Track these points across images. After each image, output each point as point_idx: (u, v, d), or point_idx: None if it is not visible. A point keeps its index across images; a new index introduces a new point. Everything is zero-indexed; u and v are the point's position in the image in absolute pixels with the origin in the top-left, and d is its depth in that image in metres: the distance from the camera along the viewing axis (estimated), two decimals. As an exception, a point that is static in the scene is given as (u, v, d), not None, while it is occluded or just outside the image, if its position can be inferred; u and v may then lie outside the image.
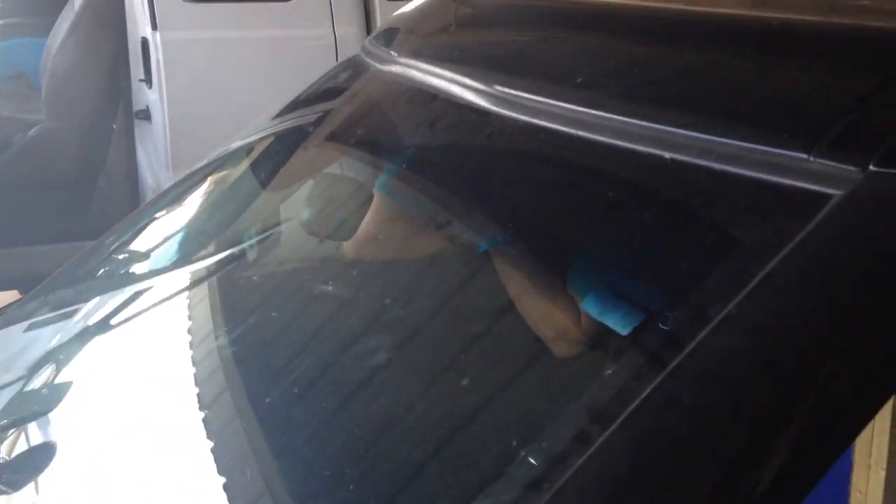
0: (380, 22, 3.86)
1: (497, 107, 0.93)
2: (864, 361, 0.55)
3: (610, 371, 0.66)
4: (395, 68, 1.21)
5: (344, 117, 1.32)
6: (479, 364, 0.81)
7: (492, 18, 1.25)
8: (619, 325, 0.66)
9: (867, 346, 0.55)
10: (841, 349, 0.55)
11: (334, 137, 1.30)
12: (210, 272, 1.24)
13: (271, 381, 0.93)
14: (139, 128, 3.65)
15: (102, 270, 1.43)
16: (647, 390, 0.57)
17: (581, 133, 0.81)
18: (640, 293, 0.69)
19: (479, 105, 0.96)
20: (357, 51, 1.42)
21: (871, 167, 0.60)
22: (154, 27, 3.40)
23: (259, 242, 1.28)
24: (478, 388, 0.77)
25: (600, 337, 0.69)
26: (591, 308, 0.68)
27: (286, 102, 1.49)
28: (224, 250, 1.30)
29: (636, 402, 0.57)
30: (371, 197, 1.08)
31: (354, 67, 1.38)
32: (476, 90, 0.98)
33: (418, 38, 1.32)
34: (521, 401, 0.74)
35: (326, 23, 3.83)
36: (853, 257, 0.59)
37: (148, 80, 3.38)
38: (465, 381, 0.79)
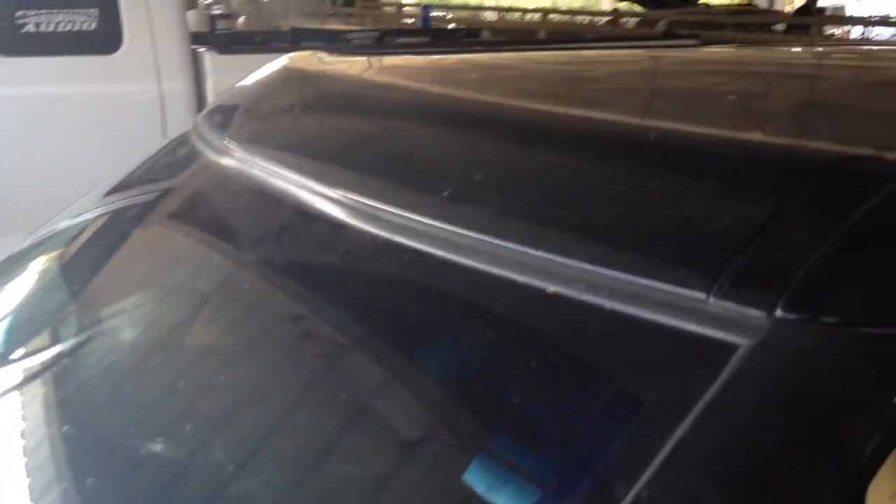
0: (210, 76, 3.70)
1: (352, 220, 0.83)
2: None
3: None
4: (229, 162, 1.09)
5: (158, 230, 1.15)
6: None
7: (347, 104, 1.13)
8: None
9: None
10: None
11: (144, 255, 1.12)
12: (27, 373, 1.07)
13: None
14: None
15: None
16: None
17: (448, 256, 0.72)
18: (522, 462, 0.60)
19: (331, 217, 0.85)
20: (185, 109, 1.28)
21: (778, 311, 0.54)
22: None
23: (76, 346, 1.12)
24: None
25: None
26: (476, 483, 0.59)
27: (105, 179, 1.34)
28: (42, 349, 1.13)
29: None
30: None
31: (183, 154, 1.24)
32: (327, 198, 0.87)
33: (258, 124, 1.20)
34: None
35: (151, 77, 3.64)
36: (760, 423, 0.52)
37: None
38: None
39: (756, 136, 0.74)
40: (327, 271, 0.86)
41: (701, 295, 0.57)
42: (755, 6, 16.75)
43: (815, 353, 0.53)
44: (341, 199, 0.86)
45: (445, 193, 0.77)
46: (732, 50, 1.95)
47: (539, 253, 0.66)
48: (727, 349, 0.55)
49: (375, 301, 0.78)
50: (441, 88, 1.16)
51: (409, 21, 10.46)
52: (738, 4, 17.53)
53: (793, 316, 0.54)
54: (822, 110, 0.92)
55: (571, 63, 1.44)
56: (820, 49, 1.89)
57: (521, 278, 0.66)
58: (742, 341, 0.54)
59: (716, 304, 0.56)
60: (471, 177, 0.78)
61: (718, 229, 0.60)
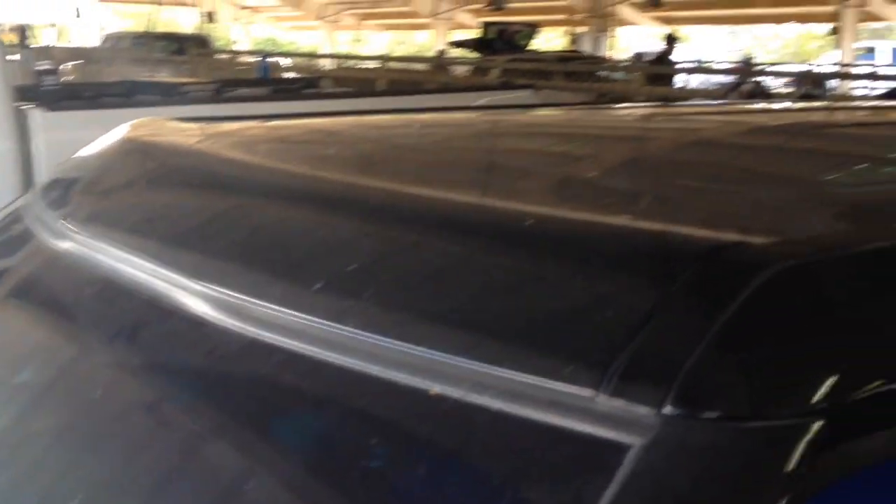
0: (39, 134, 3.50)
1: (215, 316, 0.78)
2: None
3: None
4: (68, 246, 1.00)
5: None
6: None
7: (198, 179, 1.06)
8: None
9: None
10: None
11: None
12: None
13: None
14: None
15: None
16: None
17: (320, 354, 0.68)
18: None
19: (189, 313, 0.80)
20: (11, 170, 1.18)
21: (667, 408, 0.54)
22: None
23: None
24: None
25: None
26: None
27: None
28: None
29: None
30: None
31: (14, 235, 1.15)
32: (184, 290, 0.82)
33: (98, 203, 1.11)
34: None
35: (-30, 136, 3.41)
36: None
37: None
38: None
39: (636, 222, 0.74)
40: (183, 373, 0.79)
41: (589, 393, 0.56)
42: (580, 52, 17.56)
43: (703, 450, 0.52)
44: (195, 289, 0.80)
45: (316, 285, 0.74)
46: (597, 113, 1.97)
47: (420, 351, 0.64)
48: (619, 449, 0.54)
49: (238, 409, 0.72)
50: (300, 160, 1.12)
51: (244, 68, 10.32)
52: (565, 51, 18.35)
53: (681, 412, 0.53)
54: (700, 190, 0.93)
55: (430, 133, 1.43)
56: (684, 111, 1.94)
57: (401, 378, 0.64)
58: (633, 440, 0.54)
59: (605, 402, 0.55)
60: (343, 266, 0.75)
61: (605, 323, 0.59)
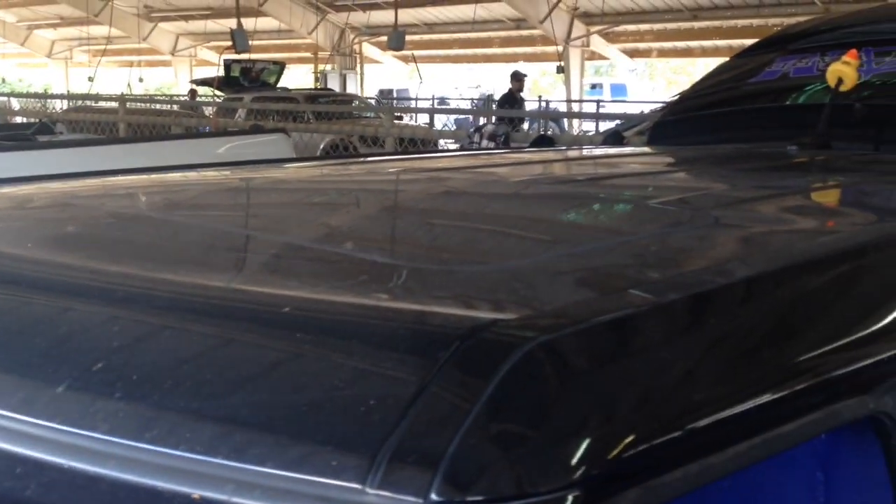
0: None
1: None
2: None
3: None
4: None
5: None
6: None
7: None
8: None
9: None
10: None
11: None
12: None
13: None
14: None
15: None
16: None
17: (66, 463, 0.64)
18: None
19: None
20: None
21: (433, 496, 0.55)
22: None
23: None
24: None
25: None
26: None
27: None
28: None
29: None
30: None
31: None
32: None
33: None
34: None
35: None
36: None
37: None
38: None
39: (394, 304, 0.75)
40: None
41: (357, 486, 0.56)
42: (331, 90, 17.63)
43: None
44: None
45: (56, 388, 0.69)
46: (345, 171, 1.93)
47: (179, 453, 0.61)
48: None
49: None
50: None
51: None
52: (317, 89, 18.36)
53: (446, 499, 0.54)
54: (453, 267, 0.93)
55: (163, 200, 1.37)
56: (425, 167, 1.95)
57: (161, 484, 0.61)
58: None
59: (374, 495, 0.56)
60: (88, 365, 0.70)
61: (367, 413, 0.60)
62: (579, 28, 21.51)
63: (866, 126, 2.08)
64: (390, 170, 1.77)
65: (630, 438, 0.61)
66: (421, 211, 1.28)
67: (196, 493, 0.59)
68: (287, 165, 2.19)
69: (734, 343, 0.75)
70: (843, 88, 1.96)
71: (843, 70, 1.95)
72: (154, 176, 1.71)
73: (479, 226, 1.17)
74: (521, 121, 10.51)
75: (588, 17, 21.30)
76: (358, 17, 23.84)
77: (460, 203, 1.34)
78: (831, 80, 1.97)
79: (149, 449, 0.62)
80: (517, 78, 13.30)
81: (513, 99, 12.78)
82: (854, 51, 2.00)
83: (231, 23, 16.80)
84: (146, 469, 0.61)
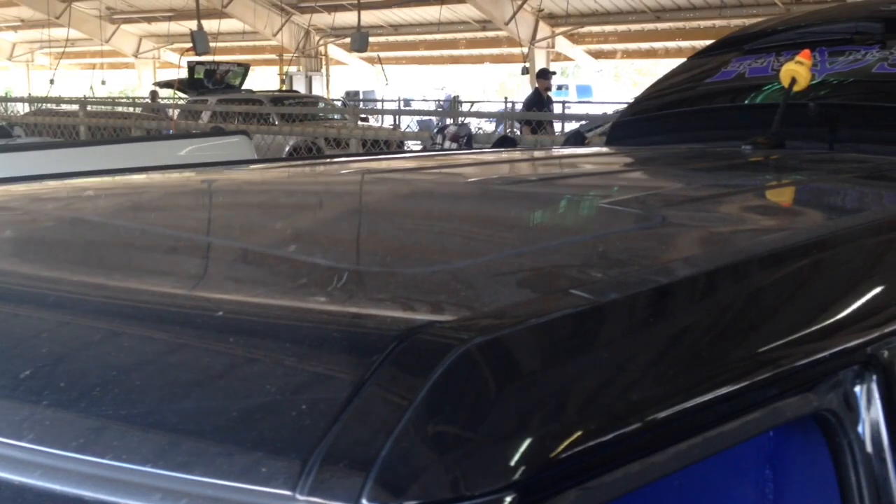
0: None
1: None
2: None
3: None
4: None
5: None
6: None
7: None
8: None
9: None
10: None
11: None
12: None
13: None
14: None
15: None
16: None
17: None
18: None
19: None
20: None
21: (363, 502, 0.54)
22: None
23: None
24: None
25: None
26: None
27: None
28: None
29: None
30: None
31: None
32: None
33: None
34: None
35: None
36: None
37: None
38: None
39: (328, 306, 0.74)
40: None
41: (288, 493, 0.55)
42: (296, 92, 17.51)
43: None
44: None
45: None
46: (299, 173, 1.91)
47: (106, 462, 0.60)
48: None
49: None
50: None
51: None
52: (280, 91, 18.27)
53: None
54: (382, 264, 0.93)
55: (106, 204, 1.34)
56: (388, 168, 1.93)
57: (86, 493, 0.59)
58: None
59: (304, 501, 0.54)
60: (16, 373, 0.69)
61: (298, 418, 0.58)
62: (544, 30, 21.65)
63: (820, 125, 2.11)
64: (344, 171, 1.75)
65: (568, 439, 0.60)
66: (370, 212, 1.27)
67: (123, 502, 0.58)
68: (243, 168, 2.17)
69: (676, 342, 0.74)
70: (796, 88, 1.98)
71: (797, 70, 1.97)
72: (106, 179, 1.68)
73: (426, 227, 1.16)
74: (550, 123, 9.66)
75: (553, 19, 21.45)
76: (323, 19, 23.80)
77: (411, 204, 1.33)
78: (785, 79, 1.99)
79: (74, 458, 0.60)
80: (544, 76, 12.24)
81: (540, 99, 11.66)
82: (807, 51, 2.02)
83: (194, 24, 16.66)
84: (71, 478, 0.60)
